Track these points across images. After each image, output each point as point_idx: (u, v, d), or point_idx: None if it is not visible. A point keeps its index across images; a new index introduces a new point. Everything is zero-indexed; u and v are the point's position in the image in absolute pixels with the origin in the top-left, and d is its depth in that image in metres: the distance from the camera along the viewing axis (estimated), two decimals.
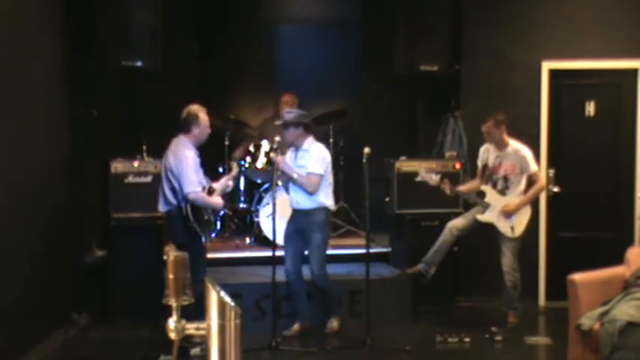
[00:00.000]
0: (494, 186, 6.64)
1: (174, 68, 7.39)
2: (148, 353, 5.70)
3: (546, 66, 7.53)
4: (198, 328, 2.22)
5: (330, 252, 6.51)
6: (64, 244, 6.53)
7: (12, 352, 5.22)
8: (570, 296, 5.13)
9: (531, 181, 6.62)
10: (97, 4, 6.77)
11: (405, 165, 7.28)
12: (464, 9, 7.52)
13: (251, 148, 7.84)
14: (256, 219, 7.70)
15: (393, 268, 7.33)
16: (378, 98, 8.67)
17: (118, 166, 6.81)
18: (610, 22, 7.50)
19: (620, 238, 7.31)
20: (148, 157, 6.88)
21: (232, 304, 2.11)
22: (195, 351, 5.55)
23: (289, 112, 6.37)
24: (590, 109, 7.61)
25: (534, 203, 6.89)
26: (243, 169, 7.96)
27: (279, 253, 6.28)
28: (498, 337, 6.31)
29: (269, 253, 6.29)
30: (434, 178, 6.57)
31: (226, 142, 7.98)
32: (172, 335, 2.27)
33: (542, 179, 6.87)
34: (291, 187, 6.34)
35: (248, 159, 7.83)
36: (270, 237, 6.52)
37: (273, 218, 6.18)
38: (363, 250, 6.43)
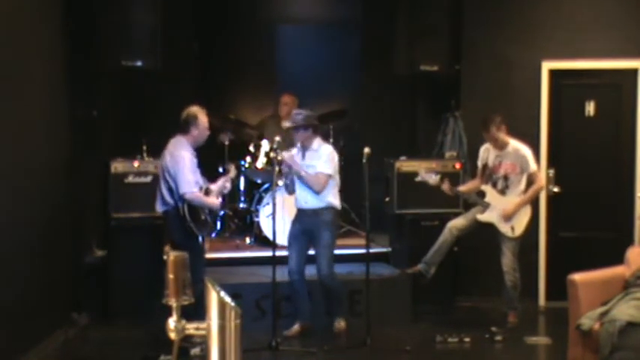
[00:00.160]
0: (495, 186, 6.65)
1: (174, 68, 7.39)
2: (148, 353, 5.70)
3: (546, 66, 7.53)
4: (198, 328, 2.22)
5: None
6: (64, 244, 6.53)
7: (12, 352, 5.22)
8: (570, 296, 5.13)
9: (530, 181, 6.62)
10: (97, 4, 6.77)
11: (405, 165, 7.28)
12: (464, 9, 7.52)
13: (251, 148, 7.85)
14: (256, 219, 7.70)
15: (393, 268, 7.33)
16: (378, 98, 8.67)
17: (118, 166, 6.81)
18: (610, 22, 7.50)
19: (620, 238, 7.31)
20: (148, 157, 6.87)
21: (232, 304, 2.11)
22: (195, 351, 5.55)
23: (298, 114, 6.33)
24: (590, 109, 7.61)
25: (534, 203, 6.89)
26: (243, 169, 7.97)
27: (280, 253, 6.28)
28: (498, 337, 6.31)
29: (269, 253, 6.29)
30: (434, 178, 6.57)
31: (226, 142, 7.98)
32: (172, 335, 2.27)
33: (541, 179, 6.87)
34: (299, 186, 6.33)
35: (248, 159, 7.84)
36: (270, 237, 6.52)
37: (273, 218, 6.18)
38: (363, 250, 6.43)
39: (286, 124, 6.40)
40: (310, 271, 6.39)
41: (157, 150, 6.26)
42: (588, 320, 4.90)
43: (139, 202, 6.68)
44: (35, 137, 5.84)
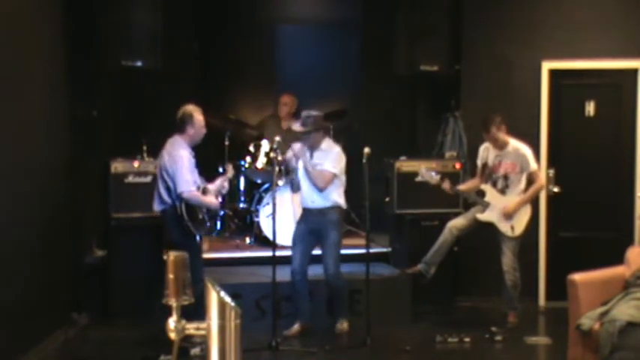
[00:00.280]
0: (494, 185, 6.65)
1: (175, 68, 7.38)
2: (148, 353, 5.70)
3: (546, 66, 7.53)
4: (198, 328, 2.22)
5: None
6: (64, 244, 6.53)
7: (12, 352, 5.22)
8: (570, 296, 5.13)
9: (530, 180, 6.62)
10: (97, 4, 6.77)
11: (405, 165, 7.28)
12: (464, 9, 7.52)
13: (251, 148, 7.85)
14: (256, 219, 7.70)
15: (393, 268, 7.33)
16: (378, 98, 8.67)
17: (118, 166, 6.81)
18: (610, 22, 7.50)
19: (620, 238, 7.30)
20: (148, 157, 6.87)
21: (232, 304, 2.11)
22: (195, 351, 5.55)
23: (308, 117, 6.31)
24: (590, 109, 7.61)
25: (534, 203, 6.89)
26: (243, 169, 7.97)
27: (280, 253, 6.28)
28: (498, 337, 6.31)
29: (269, 253, 6.30)
30: (434, 178, 6.57)
31: (226, 142, 7.98)
32: (172, 335, 2.27)
33: (542, 178, 6.87)
34: (306, 185, 6.34)
35: (248, 159, 7.84)
36: (270, 237, 6.52)
37: (273, 218, 6.18)
38: (363, 250, 6.43)
39: (296, 127, 6.36)
40: (312, 271, 6.40)
41: (157, 150, 6.26)
42: (588, 320, 4.90)
43: (139, 202, 6.67)
44: (35, 137, 5.84)
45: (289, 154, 6.44)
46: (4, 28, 5.21)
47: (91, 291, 6.89)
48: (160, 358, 5.51)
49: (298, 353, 6.03)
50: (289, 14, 9.49)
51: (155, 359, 5.52)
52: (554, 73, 7.55)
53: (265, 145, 7.71)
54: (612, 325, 4.73)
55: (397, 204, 7.30)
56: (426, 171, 6.65)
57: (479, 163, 6.80)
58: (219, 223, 8.11)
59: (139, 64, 6.77)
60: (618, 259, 5.38)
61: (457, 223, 6.66)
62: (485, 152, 6.73)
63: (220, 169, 7.64)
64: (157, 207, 5.87)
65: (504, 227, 6.56)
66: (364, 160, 6.06)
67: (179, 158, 5.70)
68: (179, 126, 5.83)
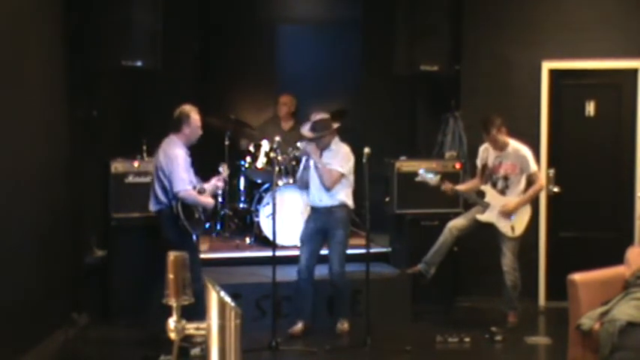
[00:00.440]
0: (494, 186, 6.65)
1: (175, 68, 7.38)
2: (148, 353, 5.70)
3: (546, 66, 7.53)
4: (198, 328, 2.22)
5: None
6: (64, 244, 6.52)
7: (12, 352, 5.21)
8: (570, 296, 5.13)
9: (530, 181, 6.62)
10: (96, 4, 6.77)
11: (405, 165, 7.28)
12: (464, 9, 7.53)
13: (251, 148, 7.85)
14: (256, 219, 7.70)
15: (393, 268, 7.33)
16: (378, 98, 8.67)
17: (118, 166, 6.81)
18: (610, 22, 7.50)
19: (620, 238, 7.30)
20: (148, 157, 6.86)
21: (232, 304, 2.11)
22: (195, 351, 5.55)
23: (318, 122, 6.33)
24: (590, 109, 7.61)
25: (534, 203, 6.90)
26: (243, 169, 7.97)
27: (280, 253, 6.28)
28: (498, 337, 6.31)
29: (269, 253, 6.30)
30: (433, 179, 6.57)
31: (226, 142, 7.98)
32: (172, 335, 2.27)
33: (542, 179, 6.87)
34: (314, 184, 6.36)
35: (248, 159, 7.84)
36: (271, 237, 6.52)
37: (273, 218, 6.18)
38: (363, 250, 6.43)
39: (306, 133, 6.36)
40: (316, 271, 6.41)
41: (157, 150, 6.26)
42: (588, 320, 4.90)
43: (139, 202, 6.66)
44: (35, 137, 5.84)
45: (301, 148, 6.44)
46: (4, 28, 5.21)
47: (91, 291, 6.89)
48: (160, 358, 5.51)
49: (298, 353, 6.03)
50: (289, 14, 9.49)
51: (155, 359, 5.52)
52: (554, 73, 7.55)
53: (265, 145, 7.71)
54: (612, 325, 4.73)
55: (397, 204, 7.30)
56: (425, 172, 6.64)
57: (478, 163, 6.80)
58: (219, 223, 8.11)
59: (139, 64, 6.77)
60: (618, 259, 5.37)
61: (457, 223, 6.66)
62: (485, 153, 6.73)
63: (220, 169, 7.65)
64: (152, 207, 5.88)
65: (504, 228, 6.56)
66: (364, 160, 6.06)
67: (175, 157, 5.70)
68: (175, 125, 5.84)
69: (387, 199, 7.40)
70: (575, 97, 7.62)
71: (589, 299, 5.03)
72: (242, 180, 8.17)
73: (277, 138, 7.58)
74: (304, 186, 6.56)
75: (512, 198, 6.56)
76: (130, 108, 7.89)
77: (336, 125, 6.40)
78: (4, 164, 5.16)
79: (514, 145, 6.61)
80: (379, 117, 8.64)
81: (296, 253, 6.63)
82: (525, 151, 6.59)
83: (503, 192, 6.60)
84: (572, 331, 5.06)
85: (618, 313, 4.79)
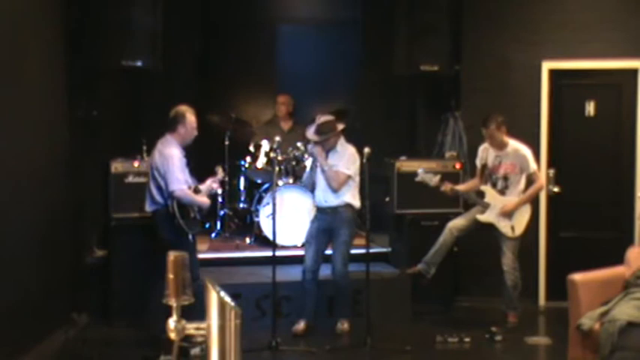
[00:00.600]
0: (494, 186, 6.64)
1: (175, 68, 7.39)
2: (148, 353, 5.70)
3: (546, 66, 7.53)
4: (198, 328, 2.22)
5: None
6: (64, 244, 6.52)
7: (12, 351, 5.21)
8: (570, 296, 5.13)
9: (530, 181, 6.62)
10: (97, 4, 6.77)
11: (405, 165, 7.28)
12: (464, 9, 7.53)
13: (251, 148, 7.85)
14: (256, 219, 7.70)
15: (393, 268, 7.33)
16: (378, 98, 8.67)
17: (118, 166, 6.81)
18: (610, 22, 7.50)
19: (620, 238, 7.30)
20: (148, 157, 6.86)
21: (232, 304, 2.11)
22: (195, 351, 5.55)
23: (323, 124, 6.33)
24: (590, 109, 7.60)
25: (534, 203, 6.90)
26: (243, 169, 7.97)
27: (280, 253, 6.28)
28: (498, 337, 6.31)
29: (269, 253, 6.30)
30: (433, 180, 6.56)
31: (226, 142, 7.98)
32: (172, 335, 2.27)
33: (541, 179, 6.87)
34: (320, 185, 6.38)
35: (248, 159, 7.84)
36: (271, 237, 6.52)
37: (274, 218, 6.18)
38: (363, 250, 6.43)
39: (312, 136, 6.36)
40: (321, 271, 6.42)
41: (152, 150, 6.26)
42: (588, 320, 4.90)
43: (139, 202, 6.65)
44: (35, 137, 5.84)
45: (308, 151, 6.47)
46: (4, 28, 5.21)
47: (91, 291, 6.88)
48: (160, 358, 5.51)
49: (298, 353, 6.03)
50: (289, 14, 9.50)
51: (155, 359, 5.52)
52: (554, 73, 7.55)
53: (265, 145, 7.71)
54: (612, 325, 4.73)
55: (397, 204, 7.30)
56: (425, 172, 6.64)
57: (478, 163, 6.79)
58: (219, 223, 8.11)
59: (139, 64, 6.77)
60: (618, 259, 5.37)
61: (457, 223, 6.66)
62: (485, 153, 6.72)
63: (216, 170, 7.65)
64: (148, 207, 5.88)
65: (504, 228, 6.56)
66: (364, 160, 6.07)
67: (170, 157, 5.71)
68: (171, 125, 5.85)
69: (387, 199, 7.40)
70: (575, 97, 7.61)
71: (589, 299, 5.03)
72: (242, 180, 8.18)
73: (277, 138, 7.58)
74: (311, 187, 6.58)
75: (512, 198, 6.56)
76: (130, 108, 7.89)
77: (341, 126, 6.41)
78: (4, 164, 5.16)
79: (514, 144, 6.61)
80: (379, 117, 8.64)
81: (296, 253, 6.64)
82: (525, 150, 6.59)
83: (502, 192, 6.60)
84: (572, 331, 5.06)
85: (618, 313, 4.79)
